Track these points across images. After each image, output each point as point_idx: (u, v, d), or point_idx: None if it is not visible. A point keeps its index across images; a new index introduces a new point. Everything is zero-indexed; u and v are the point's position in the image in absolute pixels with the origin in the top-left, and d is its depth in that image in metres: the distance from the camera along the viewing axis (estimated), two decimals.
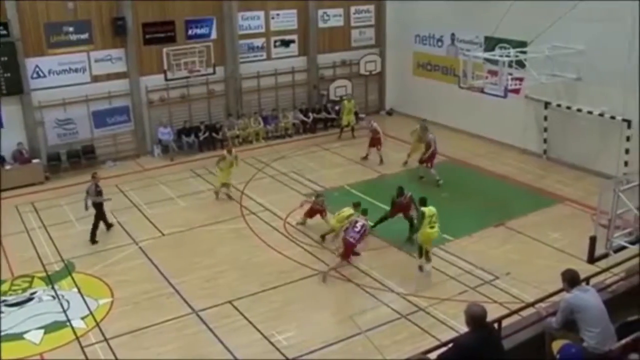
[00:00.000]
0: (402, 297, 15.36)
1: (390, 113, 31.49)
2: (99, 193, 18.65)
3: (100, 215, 18.73)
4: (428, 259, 16.52)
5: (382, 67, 31.02)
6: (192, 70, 26.24)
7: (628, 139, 21.23)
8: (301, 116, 28.63)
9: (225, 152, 21.88)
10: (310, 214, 18.99)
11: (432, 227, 16.28)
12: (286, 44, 28.72)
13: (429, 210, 16.32)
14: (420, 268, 16.48)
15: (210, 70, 26.74)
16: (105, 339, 14.03)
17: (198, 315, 14.77)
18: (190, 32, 26.28)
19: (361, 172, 23.60)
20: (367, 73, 30.70)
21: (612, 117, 21.52)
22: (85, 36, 24.14)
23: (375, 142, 24.35)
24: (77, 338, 14.13)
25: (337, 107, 28.93)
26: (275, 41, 28.45)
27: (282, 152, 26.21)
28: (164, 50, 25.70)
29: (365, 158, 24.64)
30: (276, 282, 16.06)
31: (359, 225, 16.49)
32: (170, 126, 26.12)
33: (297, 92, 29.33)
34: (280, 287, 15.88)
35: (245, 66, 27.71)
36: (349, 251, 16.53)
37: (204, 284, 16.17)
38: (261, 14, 27.86)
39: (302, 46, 29.06)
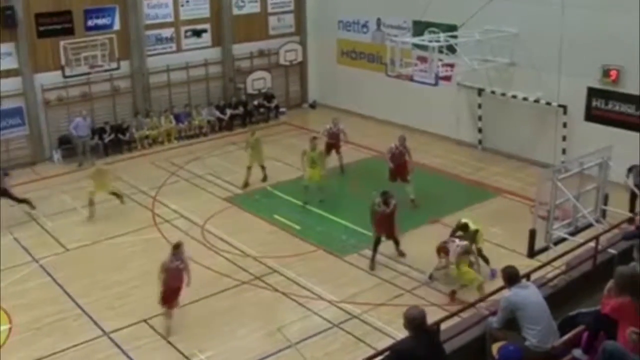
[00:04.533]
0: (334, 304, 15.46)
1: (313, 106, 31.63)
2: None
3: None
4: None
5: (304, 56, 31.13)
6: (94, 66, 25.71)
7: (565, 125, 21.91)
8: (217, 113, 28.48)
9: (308, 146, 21.21)
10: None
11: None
12: (198, 34, 28.52)
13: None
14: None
15: (114, 65, 26.25)
16: None
17: (109, 338, 14.53)
18: (90, 22, 25.80)
19: (283, 171, 23.59)
20: (288, 63, 30.76)
21: (548, 103, 22.17)
22: None
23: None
24: None
25: (255, 102, 29.00)
26: (186, 31, 28.21)
27: (197, 152, 26.06)
28: (61, 43, 25.08)
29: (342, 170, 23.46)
30: (195, 295, 15.84)
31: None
32: (89, 119, 25.48)
33: (212, 87, 29.17)
34: (201, 300, 15.75)
35: (153, 59, 27.40)
36: None
37: (115, 302, 15.91)
38: (169, 1, 27.58)
39: (215, 36, 28.89)
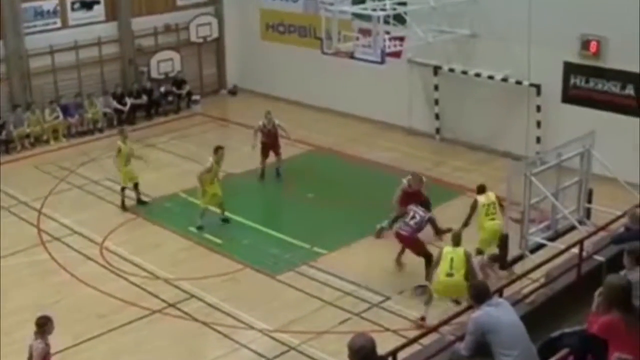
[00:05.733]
0: (266, 334, 15.47)
1: (233, 92, 31.60)
2: None
3: None
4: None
5: (220, 31, 31.13)
6: None
7: (539, 109, 22.29)
8: (114, 103, 28.25)
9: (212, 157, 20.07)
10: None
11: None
12: (88, 5, 28.29)
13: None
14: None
15: None
16: None
17: None
18: None
19: None
20: (201, 40, 30.74)
21: (518, 82, 22.51)
22: None
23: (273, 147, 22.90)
24: None
25: (162, 89, 28.89)
26: (73, 2, 27.94)
27: (92, 152, 25.85)
28: None
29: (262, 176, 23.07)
30: (95, 329, 15.73)
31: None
32: None
33: (108, 71, 28.96)
34: (101, 335, 15.58)
35: (33, 39, 27.03)
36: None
37: None
38: None
39: (110, 7, 28.68)
